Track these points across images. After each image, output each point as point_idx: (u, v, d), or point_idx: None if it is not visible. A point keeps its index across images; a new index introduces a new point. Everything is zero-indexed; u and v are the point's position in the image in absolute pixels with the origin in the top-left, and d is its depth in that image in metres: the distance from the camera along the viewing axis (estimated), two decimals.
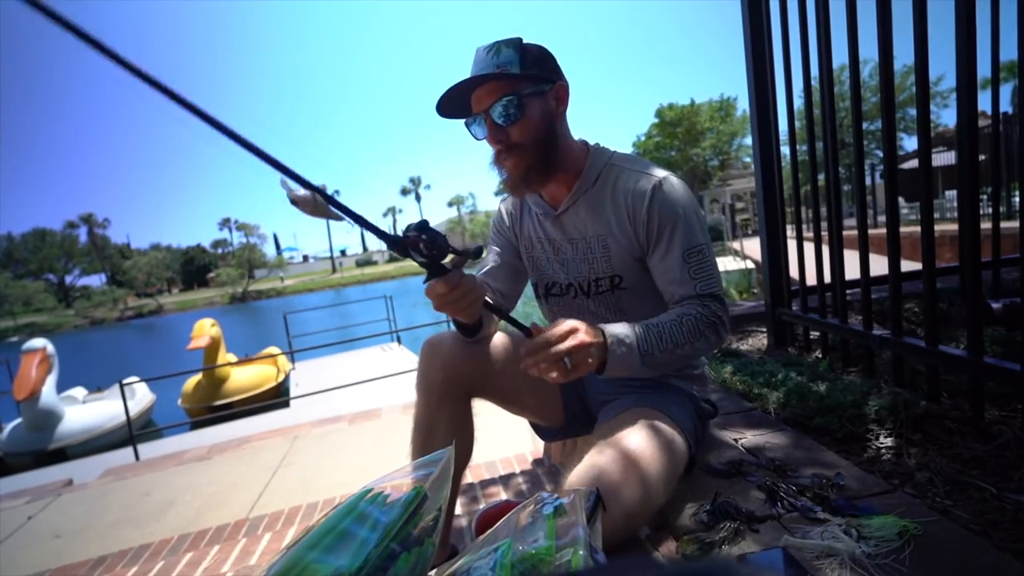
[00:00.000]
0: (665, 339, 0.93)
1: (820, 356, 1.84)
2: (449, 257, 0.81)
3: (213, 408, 7.36)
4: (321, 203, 0.77)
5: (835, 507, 0.90)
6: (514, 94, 0.95)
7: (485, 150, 1.07)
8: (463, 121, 1.03)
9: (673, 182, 1.02)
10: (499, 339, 1.16)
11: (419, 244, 0.77)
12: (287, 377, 8.64)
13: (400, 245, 0.76)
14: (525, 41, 0.97)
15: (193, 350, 7.44)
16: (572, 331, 0.86)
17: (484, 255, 1.20)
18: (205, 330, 7.54)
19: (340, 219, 0.79)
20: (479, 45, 0.97)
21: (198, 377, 7.82)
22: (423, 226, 0.77)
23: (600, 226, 1.06)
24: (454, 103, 0.99)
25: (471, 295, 0.87)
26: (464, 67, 1.01)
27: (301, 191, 0.78)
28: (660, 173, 1.03)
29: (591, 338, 0.87)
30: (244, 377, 8.06)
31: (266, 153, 0.64)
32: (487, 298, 0.93)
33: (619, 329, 0.92)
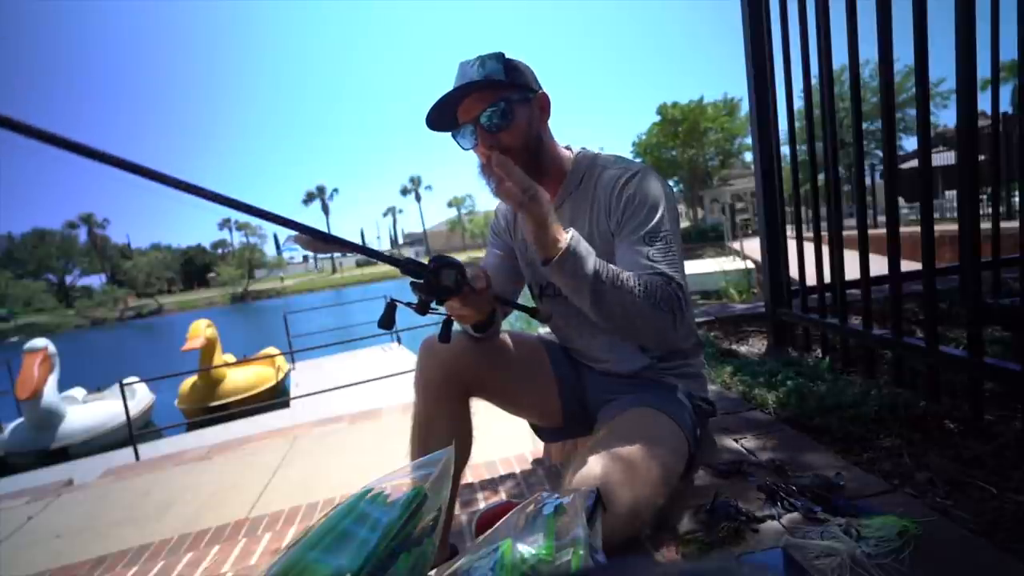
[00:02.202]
0: (621, 278, 0.88)
1: (820, 356, 1.84)
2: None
3: (210, 409, 7.33)
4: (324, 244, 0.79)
5: (835, 507, 0.90)
6: (503, 100, 0.97)
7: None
8: (450, 133, 1.04)
9: (649, 174, 1.03)
10: (498, 339, 1.16)
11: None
12: (286, 377, 8.63)
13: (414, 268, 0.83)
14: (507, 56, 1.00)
15: (188, 351, 7.43)
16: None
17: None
18: (200, 331, 7.50)
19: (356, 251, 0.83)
20: (462, 60, 0.99)
21: (194, 378, 7.80)
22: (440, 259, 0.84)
23: (585, 224, 1.07)
24: (442, 116, 1.01)
25: (468, 308, 0.90)
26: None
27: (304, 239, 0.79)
28: (638, 167, 1.04)
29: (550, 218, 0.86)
30: (241, 378, 8.04)
31: (268, 212, 0.68)
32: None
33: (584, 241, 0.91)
